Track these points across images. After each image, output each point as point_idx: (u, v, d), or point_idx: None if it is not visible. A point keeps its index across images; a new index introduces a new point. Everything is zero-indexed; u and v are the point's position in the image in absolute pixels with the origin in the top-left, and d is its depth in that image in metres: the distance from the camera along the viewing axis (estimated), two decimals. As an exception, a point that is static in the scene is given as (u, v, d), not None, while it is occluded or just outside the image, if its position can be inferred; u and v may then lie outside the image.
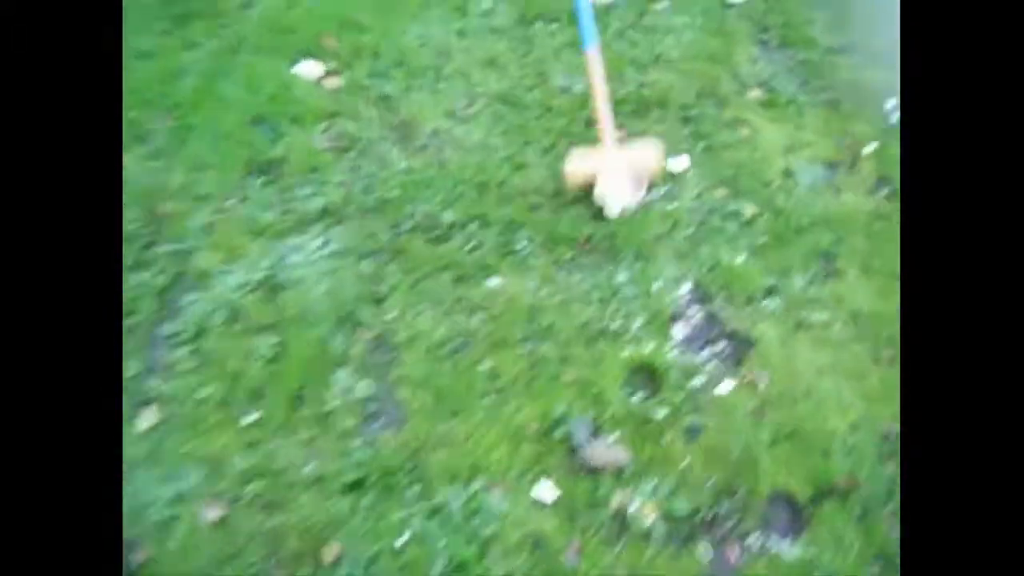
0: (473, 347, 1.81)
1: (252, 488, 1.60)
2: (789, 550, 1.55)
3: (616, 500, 1.59)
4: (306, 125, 2.23)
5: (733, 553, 1.55)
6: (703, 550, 1.55)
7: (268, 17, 2.58)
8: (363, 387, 1.74)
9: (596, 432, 1.68)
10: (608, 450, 1.64)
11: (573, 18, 2.48)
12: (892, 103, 2.35)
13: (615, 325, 1.84)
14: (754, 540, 1.56)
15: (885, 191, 2.14)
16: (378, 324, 1.85)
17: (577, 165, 2.05)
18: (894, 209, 2.09)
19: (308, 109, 2.27)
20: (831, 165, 2.21)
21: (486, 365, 1.78)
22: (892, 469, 1.64)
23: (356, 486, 1.61)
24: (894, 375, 1.78)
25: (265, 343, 1.80)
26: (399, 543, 1.54)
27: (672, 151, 2.18)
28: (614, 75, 2.34)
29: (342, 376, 1.76)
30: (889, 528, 1.56)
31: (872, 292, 1.92)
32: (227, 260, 1.95)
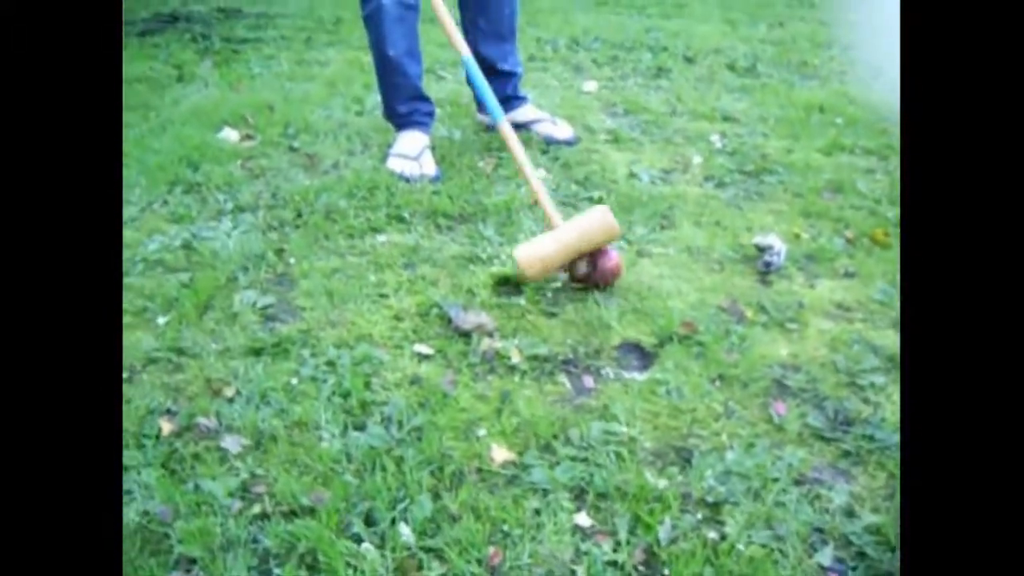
0: (361, 272, 2.00)
1: (157, 361, 1.72)
2: (640, 376, 1.71)
3: (485, 345, 1.75)
4: (224, 162, 2.52)
5: (590, 380, 1.70)
6: (564, 379, 1.70)
7: (196, 106, 2.95)
8: (265, 300, 1.90)
9: (466, 310, 1.86)
10: (477, 316, 1.81)
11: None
12: (716, 137, 2.76)
13: (484, 255, 2.07)
14: (608, 372, 1.72)
15: (711, 184, 2.49)
16: (281, 265, 2.04)
17: (534, 254, 1.88)
18: (719, 193, 2.42)
19: (227, 154, 2.57)
20: (667, 171, 2.56)
21: (373, 279, 1.97)
22: (726, 320, 1.84)
23: (255, 352, 1.74)
24: (724, 277, 2.02)
25: (179, 277, 1.97)
26: (292, 381, 1.66)
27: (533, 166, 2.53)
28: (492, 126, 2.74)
29: (247, 294, 1.92)
30: (726, 356, 1.74)
31: (703, 236, 2.19)
32: (148, 237, 2.15)
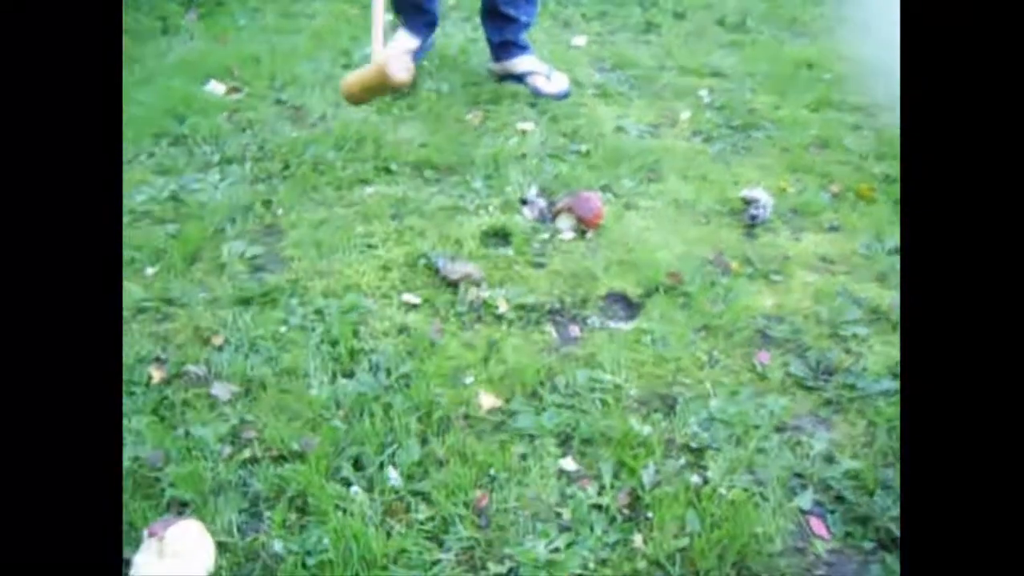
0: (349, 223, 2.01)
1: (146, 310, 1.73)
2: (626, 325, 1.73)
3: (472, 295, 1.76)
4: (210, 115, 2.50)
5: (576, 329, 1.72)
6: (550, 328, 1.72)
7: (180, 59, 2.93)
8: (253, 250, 1.90)
9: (454, 260, 1.87)
10: (465, 266, 1.82)
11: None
12: (704, 92, 2.77)
13: (472, 207, 2.07)
14: (595, 321, 1.74)
15: (699, 139, 2.49)
16: (268, 216, 2.04)
17: (353, 80, 2.11)
18: (706, 148, 2.43)
19: (213, 106, 2.55)
20: (655, 125, 2.57)
21: (360, 230, 1.98)
22: (712, 272, 1.86)
23: (243, 301, 1.75)
24: (711, 230, 2.03)
25: (166, 229, 1.97)
26: (281, 330, 1.67)
27: (520, 119, 2.53)
28: (480, 79, 2.76)
29: (236, 245, 1.92)
30: (711, 307, 1.76)
31: (689, 189, 2.20)
32: (135, 188, 2.14)
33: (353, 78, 2.10)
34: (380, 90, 2.12)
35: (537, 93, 2.66)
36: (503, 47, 2.70)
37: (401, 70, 1.99)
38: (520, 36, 2.69)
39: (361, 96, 2.15)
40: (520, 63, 2.71)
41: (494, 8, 2.64)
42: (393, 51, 2.03)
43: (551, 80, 2.68)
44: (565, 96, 2.67)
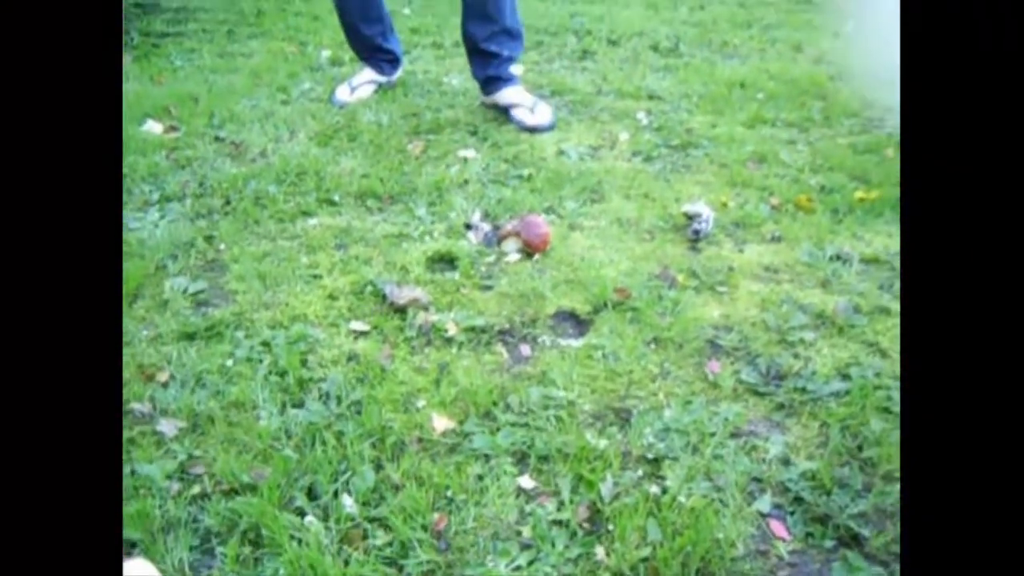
0: (293, 255, 1.98)
1: (89, 350, 1.68)
2: (576, 342, 1.72)
3: (421, 320, 1.75)
4: (148, 154, 2.47)
5: (527, 349, 1.71)
6: (501, 348, 1.71)
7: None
8: (196, 285, 1.86)
9: (400, 286, 1.85)
10: (412, 291, 1.80)
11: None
12: (642, 114, 2.80)
13: (416, 233, 2.06)
14: (545, 340, 1.73)
15: (639, 159, 2.52)
16: (211, 252, 2.00)
17: None
18: (646, 167, 2.46)
19: (151, 145, 2.52)
20: (595, 148, 2.59)
21: (305, 261, 1.95)
22: (658, 286, 1.86)
23: (188, 336, 1.71)
24: (655, 246, 2.04)
25: (105, 268, 1.93)
26: (227, 363, 1.63)
27: (461, 147, 2.53)
28: (420, 110, 2.75)
29: (178, 281, 1.88)
30: (660, 320, 1.76)
31: (632, 208, 2.21)
32: (72, 229, 2.09)
33: None
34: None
35: (521, 126, 2.66)
36: (488, 82, 2.70)
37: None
38: (503, 70, 2.69)
39: None
40: (504, 95, 2.70)
41: (475, 47, 2.65)
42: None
43: (535, 112, 2.68)
44: (550, 128, 2.66)
